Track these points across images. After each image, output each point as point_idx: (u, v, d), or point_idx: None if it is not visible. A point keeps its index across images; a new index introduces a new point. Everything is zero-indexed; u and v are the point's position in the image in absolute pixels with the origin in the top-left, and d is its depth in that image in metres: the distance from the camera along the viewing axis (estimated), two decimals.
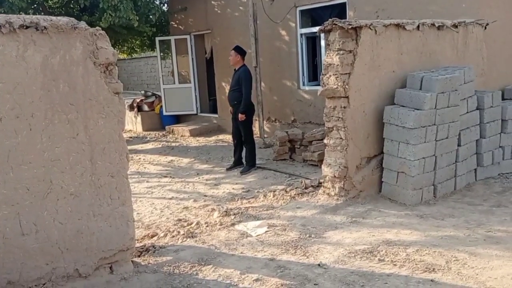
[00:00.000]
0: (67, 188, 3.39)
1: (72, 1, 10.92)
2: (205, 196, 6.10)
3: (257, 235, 4.43)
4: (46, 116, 3.26)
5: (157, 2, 12.13)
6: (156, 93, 13.39)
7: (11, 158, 3.15)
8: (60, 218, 3.37)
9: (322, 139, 6.71)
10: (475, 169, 5.80)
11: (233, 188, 6.36)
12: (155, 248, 4.25)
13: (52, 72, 3.26)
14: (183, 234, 4.56)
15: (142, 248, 4.24)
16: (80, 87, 3.39)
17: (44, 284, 3.36)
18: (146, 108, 12.75)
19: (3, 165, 3.12)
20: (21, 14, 8.52)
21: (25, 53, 3.14)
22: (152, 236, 4.65)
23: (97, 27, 3.53)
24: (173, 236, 4.56)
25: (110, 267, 3.67)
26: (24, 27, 3.10)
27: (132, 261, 3.84)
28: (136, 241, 4.13)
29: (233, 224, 4.79)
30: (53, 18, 3.26)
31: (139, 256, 4.09)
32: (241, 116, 7.10)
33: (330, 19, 5.05)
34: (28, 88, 3.17)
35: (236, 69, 7.31)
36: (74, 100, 3.37)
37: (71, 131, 3.38)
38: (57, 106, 3.31)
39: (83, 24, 3.38)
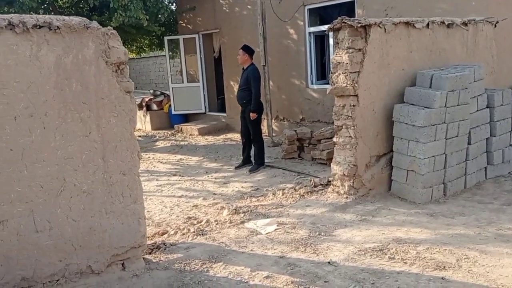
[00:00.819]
0: (80, 185, 3.43)
1: (82, 1, 11.00)
2: (214, 194, 6.14)
3: (266, 233, 4.45)
4: (59, 114, 3.30)
5: (166, 2, 12.15)
6: (165, 92, 13.45)
7: (25, 156, 3.19)
8: (73, 215, 3.42)
9: (330, 138, 6.72)
10: (485, 168, 5.78)
11: (242, 187, 6.39)
12: (165, 245, 4.29)
13: (65, 71, 3.30)
14: (193, 232, 4.59)
15: (153, 246, 4.28)
16: (92, 86, 3.43)
17: (57, 280, 3.41)
18: (155, 107, 12.82)
19: (17, 163, 3.17)
20: (31, 14, 8.60)
21: (38, 52, 3.18)
22: (163, 234, 4.69)
23: (108, 27, 3.57)
24: (183, 234, 4.59)
25: (122, 264, 3.71)
26: (38, 26, 3.14)
27: (143, 258, 3.87)
28: (147, 239, 4.17)
29: (242, 222, 4.81)
30: (66, 18, 3.30)
31: (150, 253, 4.12)
32: (252, 115, 7.12)
33: (339, 18, 5.06)
34: (41, 87, 3.21)
35: (245, 68, 7.33)
36: (87, 99, 3.41)
37: (83, 130, 3.42)
38: (70, 105, 3.35)
39: (95, 23, 3.42)
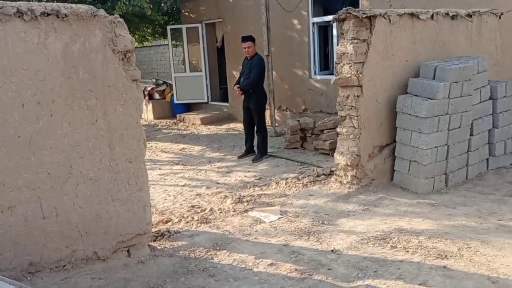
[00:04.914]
0: (87, 173, 3.47)
1: None
2: (218, 183, 6.17)
3: (270, 222, 4.49)
4: (66, 102, 3.33)
5: None
6: (167, 81, 13.44)
7: (32, 143, 3.23)
8: (79, 202, 3.46)
9: (333, 128, 6.75)
10: (487, 159, 5.80)
11: (245, 176, 6.42)
12: (170, 233, 4.33)
13: (72, 59, 3.32)
14: (197, 220, 4.64)
15: (157, 233, 4.32)
16: (99, 74, 3.45)
17: (64, 266, 3.46)
18: (157, 96, 12.81)
19: (25, 150, 3.20)
20: (35, 2, 8.58)
21: (46, 40, 3.20)
22: (167, 222, 4.73)
23: (115, 15, 3.59)
24: (188, 222, 4.64)
25: (128, 251, 3.76)
26: (46, 14, 3.16)
27: (148, 245, 3.92)
28: (152, 226, 4.21)
29: (246, 211, 4.86)
30: (73, 5, 3.32)
31: (154, 240, 4.16)
32: (238, 90, 7.37)
33: (344, 8, 5.07)
34: (49, 74, 3.24)
35: (249, 57, 7.32)
36: (94, 87, 3.44)
37: (90, 117, 3.45)
38: (77, 92, 3.37)
39: (102, 12, 3.43)
